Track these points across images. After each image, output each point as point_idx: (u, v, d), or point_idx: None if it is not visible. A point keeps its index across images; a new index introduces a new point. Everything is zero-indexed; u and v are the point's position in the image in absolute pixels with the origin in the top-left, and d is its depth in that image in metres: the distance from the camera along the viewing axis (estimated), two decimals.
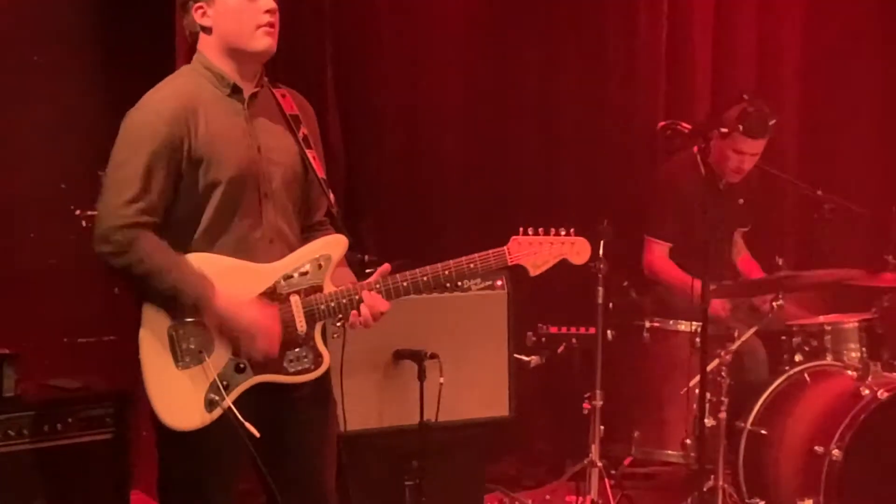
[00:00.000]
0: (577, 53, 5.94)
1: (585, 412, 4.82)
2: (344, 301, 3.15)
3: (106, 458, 3.91)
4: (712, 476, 4.66)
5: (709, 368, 4.53)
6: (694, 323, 4.79)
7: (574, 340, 5.01)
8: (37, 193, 4.65)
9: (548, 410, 5.57)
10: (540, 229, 3.31)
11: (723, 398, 4.66)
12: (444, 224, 5.67)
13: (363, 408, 4.33)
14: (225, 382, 3.05)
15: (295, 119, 3.24)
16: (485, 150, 5.78)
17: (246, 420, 3.03)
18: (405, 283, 3.19)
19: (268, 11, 3.10)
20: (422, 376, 4.31)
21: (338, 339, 4.05)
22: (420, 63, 5.70)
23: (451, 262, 3.23)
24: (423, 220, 5.65)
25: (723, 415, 4.66)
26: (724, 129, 4.93)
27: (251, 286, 3.10)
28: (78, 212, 4.54)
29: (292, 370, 3.13)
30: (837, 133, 6.35)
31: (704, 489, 4.62)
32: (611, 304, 4.88)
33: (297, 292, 3.13)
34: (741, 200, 5.31)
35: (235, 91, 3.14)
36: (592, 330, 4.85)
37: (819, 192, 5.35)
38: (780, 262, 4.95)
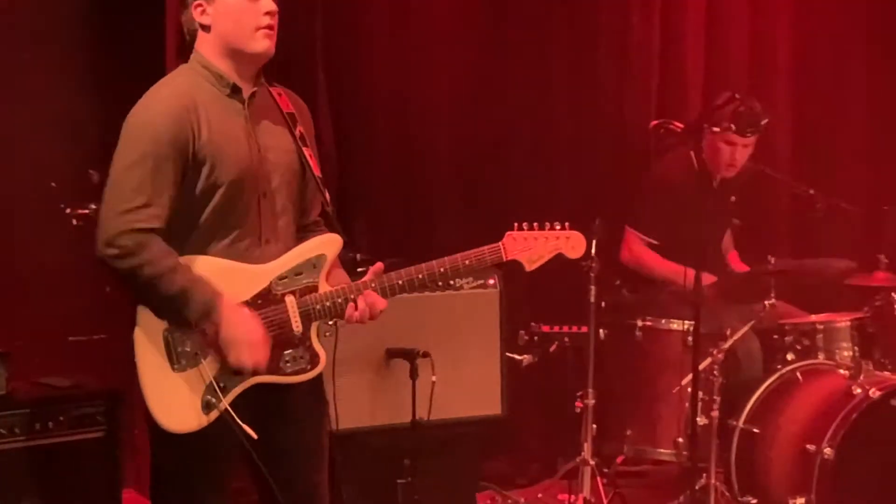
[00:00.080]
0: (570, 51, 5.94)
1: (578, 411, 4.81)
2: (339, 301, 3.13)
3: (97, 456, 3.90)
4: (704, 474, 4.65)
5: (701, 367, 4.55)
6: (686, 322, 4.78)
7: (566, 339, 4.99)
8: (27, 192, 4.65)
9: (540, 409, 5.57)
10: (535, 224, 3.29)
11: (715, 397, 4.66)
12: (436, 222, 5.67)
13: (355, 406, 4.33)
14: (221, 384, 3.03)
15: (292, 118, 3.22)
16: (477, 149, 5.77)
17: (241, 420, 3.02)
18: (400, 282, 3.17)
19: (268, 13, 3.08)
20: (414, 375, 4.32)
21: (330, 337, 4.06)
22: (412, 62, 5.69)
23: (446, 259, 3.21)
24: (415, 218, 5.65)
25: (715, 413, 4.65)
26: (715, 129, 4.94)
27: (246, 287, 3.09)
28: (68, 210, 4.49)
29: (289, 370, 3.12)
30: (829, 132, 6.35)
31: (697, 487, 4.62)
32: (603, 303, 4.87)
33: (293, 292, 3.11)
34: (733, 198, 5.31)
35: (235, 91, 3.12)
36: (585, 329, 4.85)
37: (811, 192, 5.34)
38: (773, 261, 4.95)
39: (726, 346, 4.73)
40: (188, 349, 3.02)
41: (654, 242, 5.23)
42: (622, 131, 5.98)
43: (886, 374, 4.80)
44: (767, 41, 6.29)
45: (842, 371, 4.76)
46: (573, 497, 4.83)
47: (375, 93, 5.60)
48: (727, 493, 4.76)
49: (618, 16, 6.02)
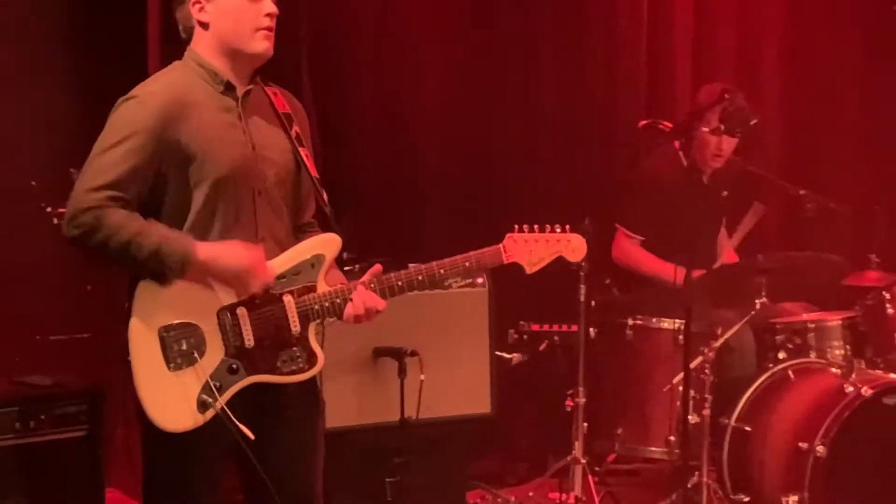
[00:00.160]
0: (558, 49, 5.93)
1: (569, 409, 4.80)
2: (338, 301, 3.12)
3: (80, 455, 3.89)
4: (697, 472, 4.64)
5: (692, 365, 4.53)
6: (677, 320, 4.77)
7: (556, 338, 4.98)
8: (8, 190, 4.62)
9: (531, 407, 5.54)
10: (535, 227, 3.27)
11: (706, 395, 4.65)
12: (423, 221, 5.66)
13: (343, 405, 4.32)
14: (217, 383, 3.01)
15: (287, 117, 3.21)
16: (465, 148, 5.76)
17: (237, 419, 2.99)
18: (400, 283, 3.17)
19: (268, 15, 3.08)
20: (402, 373, 4.31)
21: (317, 336, 4.01)
22: (399, 61, 5.68)
23: (446, 260, 3.20)
24: (402, 217, 5.63)
25: (707, 411, 4.64)
26: (705, 129, 4.95)
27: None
28: (49, 209, 4.48)
29: (286, 370, 3.10)
30: (819, 131, 6.36)
31: (689, 485, 4.61)
32: (593, 302, 4.86)
33: (291, 292, 3.10)
34: (725, 193, 5.31)
35: (229, 88, 3.11)
36: (574, 327, 4.83)
37: (802, 192, 5.33)
38: (762, 259, 4.91)
39: (717, 344, 4.72)
40: (184, 348, 3.00)
41: (644, 240, 5.22)
42: (611, 130, 5.98)
43: (878, 372, 4.80)
44: (756, 39, 6.30)
45: (834, 369, 4.76)
46: (564, 496, 4.82)
47: (361, 92, 5.58)
48: (720, 491, 4.75)
49: (606, 16, 6.02)
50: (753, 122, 4.99)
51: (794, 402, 4.71)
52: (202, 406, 2.99)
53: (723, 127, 4.94)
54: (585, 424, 4.77)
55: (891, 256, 5.25)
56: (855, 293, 5.13)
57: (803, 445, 4.46)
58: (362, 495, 4.32)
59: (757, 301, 4.79)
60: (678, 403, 4.65)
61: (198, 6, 3.08)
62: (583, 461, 4.77)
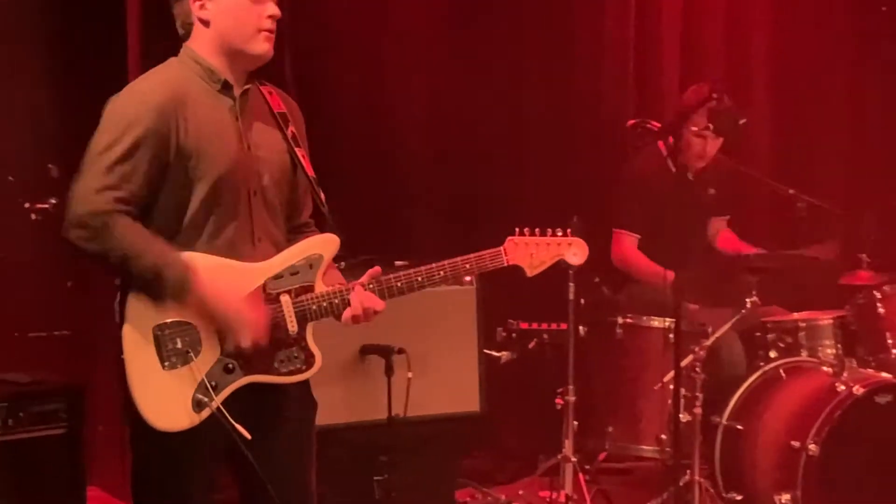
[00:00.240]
0: (545, 50, 5.91)
1: (559, 407, 4.76)
2: (336, 301, 3.09)
3: (59, 453, 3.85)
4: (688, 471, 4.63)
5: (683, 364, 4.51)
6: (667, 319, 4.75)
7: (545, 336, 4.95)
8: None
9: (520, 406, 5.50)
10: (536, 230, 3.26)
11: (697, 393, 4.64)
12: (410, 220, 5.64)
13: (330, 402, 4.20)
14: (213, 383, 2.97)
15: (283, 117, 3.18)
16: (451, 147, 5.74)
17: (232, 419, 2.95)
18: (399, 284, 3.14)
19: (270, 17, 3.05)
20: (389, 371, 4.29)
21: None
22: (383, 60, 5.66)
23: (446, 262, 3.18)
24: (389, 215, 5.59)
25: (698, 410, 4.63)
26: (693, 129, 4.96)
27: (240, 285, 3.02)
28: (27, 205, 4.49)
29: (283, 370, 3.06)
30: (809, 130, 6.37)
31: (681, 484, 4.60)
32: (582, 301, 4.82)
33: (288, 292, 3.06)
34: (712, 190, 5.31)
35: (226, 87, 3.07)
36: (564, 326, 4.80)
37: (791, 192, 5.33)
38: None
39: (708, 343, 4.71)
40: (179, 346, 2.96)
41: (641, 237, 5.21)
42: (599, 129, 5.97)
43: (870, 371, 4.81)
44: (744, 40, 6.31)
45: (825, 368, 4.76)
46: (555, 494, 4.78)
47: (345, 90, 5.54)
48: (711, 490, 4.74)
49: (593, 14, 6.01)
50: (742, 122, 5.00)
51: (785, 400, 4.71)
52: (197, 405, 2.95)
53: (711, 127, 4.95)
54: (576, 423, 4.74)
55: (881, 256, 5.25)
56: (846, 292, 5.16)
57: (795, 444, 4.47)
58: (350, 494, 4.29)
59: (748, 300, 4.76)
60: (669, 402, 4.63)
61: (198, 3, 3.04)
62: (573, 459, 4.73)
